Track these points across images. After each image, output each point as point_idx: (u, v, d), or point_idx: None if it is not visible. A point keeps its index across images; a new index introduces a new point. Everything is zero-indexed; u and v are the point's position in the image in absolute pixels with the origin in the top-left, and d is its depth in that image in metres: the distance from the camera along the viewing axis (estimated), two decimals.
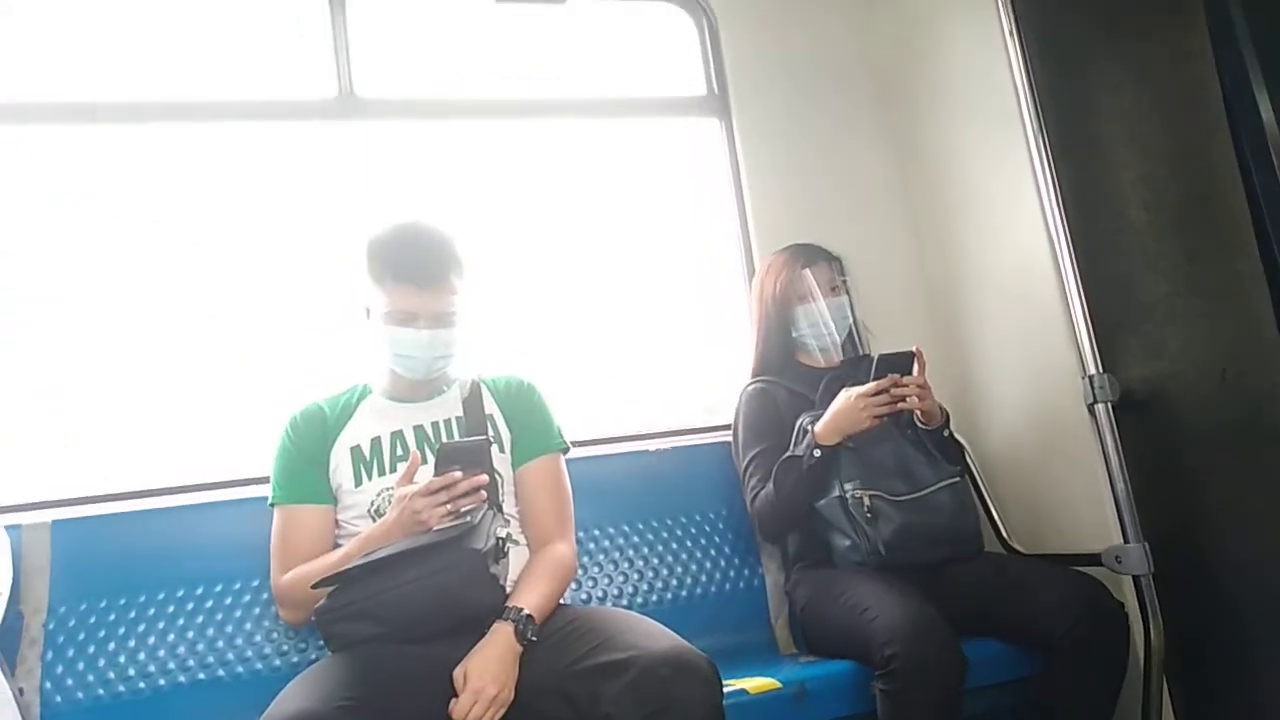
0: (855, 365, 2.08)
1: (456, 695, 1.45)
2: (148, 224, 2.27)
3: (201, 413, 2.21)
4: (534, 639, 1.54)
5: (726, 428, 2.28)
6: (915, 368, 1.92)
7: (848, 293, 2.16)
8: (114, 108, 2.28)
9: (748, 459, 2.07)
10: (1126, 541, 1.82)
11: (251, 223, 2.33)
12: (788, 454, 1.96)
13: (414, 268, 1.70)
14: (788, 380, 2.12)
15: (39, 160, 2.24)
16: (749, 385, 2.16)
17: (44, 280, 2.19)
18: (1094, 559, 1.86)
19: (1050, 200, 1.94)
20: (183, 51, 2.35)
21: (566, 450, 1.88)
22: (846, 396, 1.91)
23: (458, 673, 1.47)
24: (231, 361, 2.25)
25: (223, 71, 2.36)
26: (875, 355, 1.92)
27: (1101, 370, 1.90)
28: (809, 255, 2.16)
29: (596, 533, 2.16)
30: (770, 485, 1.98)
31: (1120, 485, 1.84)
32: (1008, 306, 2.27)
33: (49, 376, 2.15)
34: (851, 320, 2.17)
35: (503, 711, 1.47)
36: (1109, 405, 1.88)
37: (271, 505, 1.77)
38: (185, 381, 2.22)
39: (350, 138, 2.42)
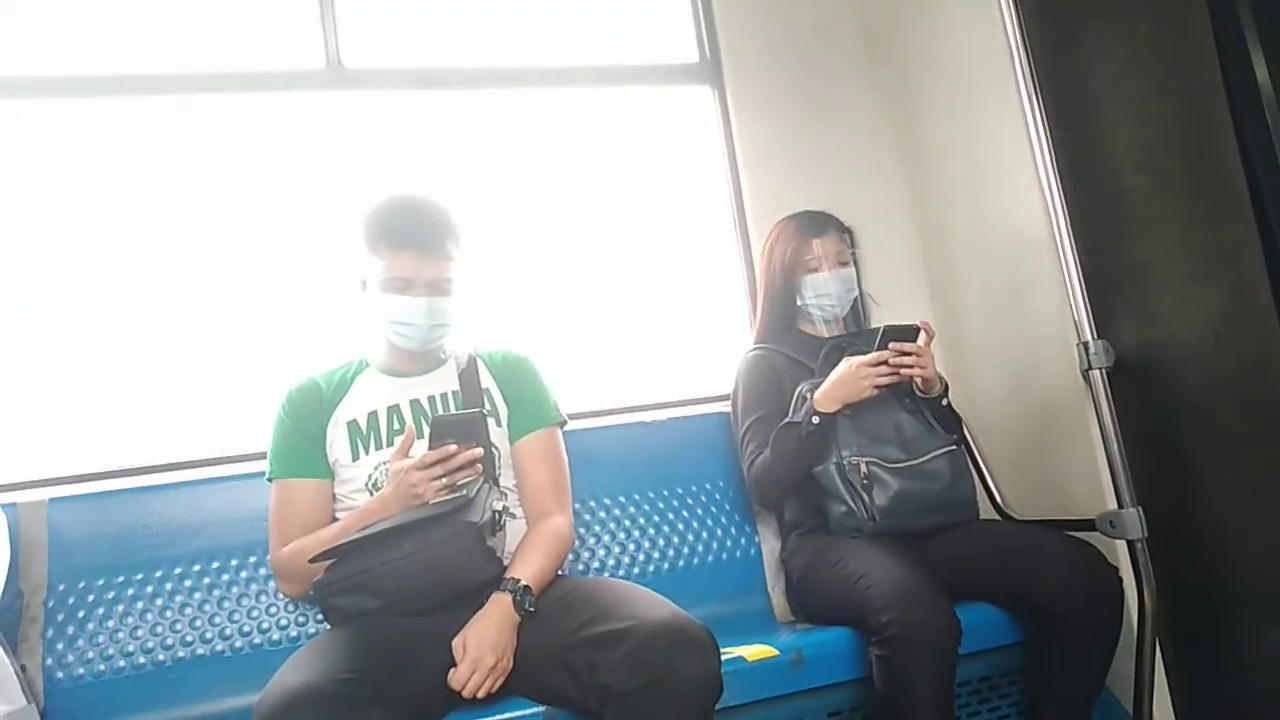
0: (858, 336, 2.09)
1: (456, 665, 1.47)
2: (137, 199, 2.25)
3: (196, 388, 2.21)
4: (532, 609, 1.54)
5: (722, 398, 2.29)
6: (920, 340, 1.92)
7: (856, 265, 2.15)
8: (97, 81, 2.25)
9: (746, 425, 2.07)
10: (1121, 507, 1.83)
11: (241, 196, 2.31)
12: (786, 420, 1.97)
13: (411, 234, 1.70)
14: (788, 348, 2.11)
15: (23, 136, 2.21)
16: (749, 352, 2.16)
17: (33, 259, 2.17)
18: (1088, 524, 1.87)
19: (1045, 165, 1.93)
20: (167, 23, 2.32)
21: (563, 424, 1.88)
22: (848, 365, 1.91)
23: (457, 642, 1.49)
24: (225, 336, 2.24)
25: (209, 43, 2.33)
26: (881, 326, 1.92)
27: (1096, 336, 1.90)
28: (819, 224, 2.13)
29: (593, 504, 2.17)
30: (768, 451, 1.99)
31: (1114, 451, 1.84)
32: (1002, 272, 2.26)
33: (44, 354, 2.14)
34: (857, 292, 2.16)
35: (501, 680, 1.49)
36: (1103, 371, 1.88)
37: (269, 480, 1.77)
38: (179, 357, 2.21)
39: (339, 109, 2.39)
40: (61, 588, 1.85)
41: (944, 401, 1.99)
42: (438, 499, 1.57)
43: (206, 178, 2.29)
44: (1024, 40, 1.95)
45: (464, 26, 2.55)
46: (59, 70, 2.23)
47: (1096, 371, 1.88)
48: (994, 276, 2.30)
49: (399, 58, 2.46)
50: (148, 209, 2.25)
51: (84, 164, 2.23)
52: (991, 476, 2.20)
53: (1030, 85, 1.94)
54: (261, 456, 1.83)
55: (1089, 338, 1.90)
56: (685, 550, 2.19)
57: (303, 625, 1.93)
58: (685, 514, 2.22)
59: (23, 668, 1.72)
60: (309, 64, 2.35)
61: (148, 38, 2.30)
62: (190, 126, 2.30)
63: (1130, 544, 1.83)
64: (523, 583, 1.56)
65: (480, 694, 1.46)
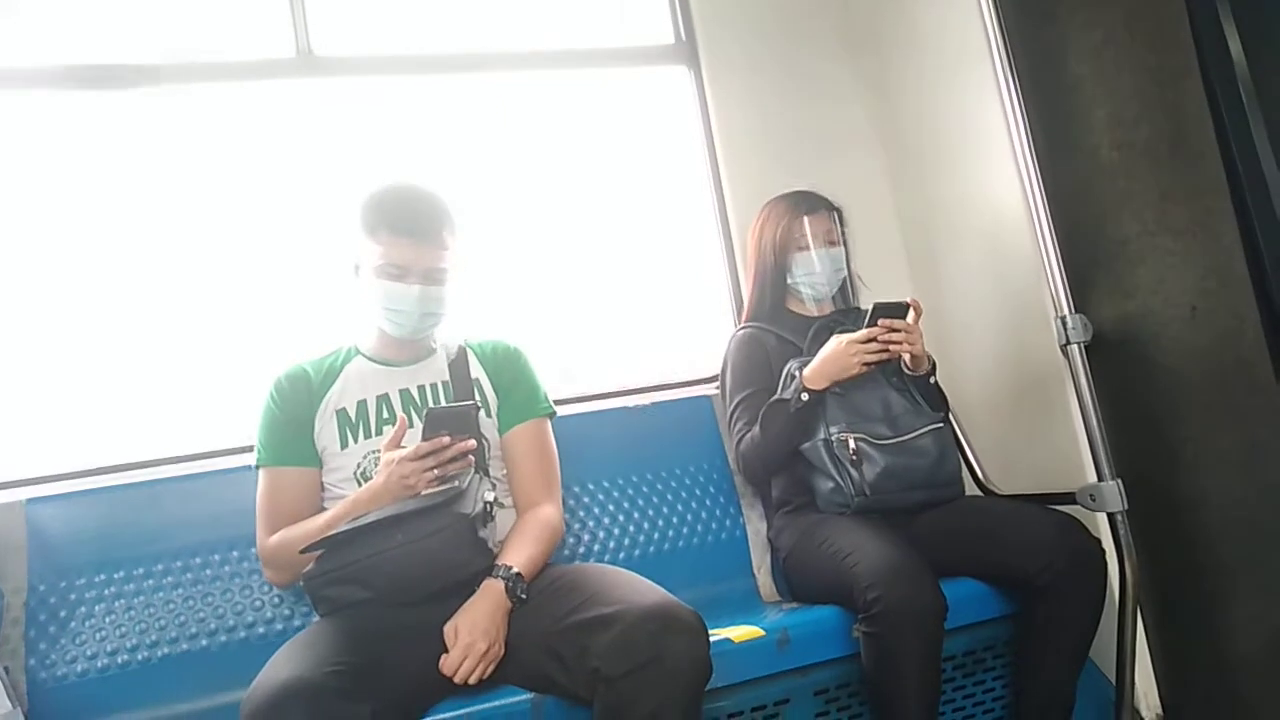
0: (847, 315, 2.09)
1: (447, 651, 1.47)
2: (109, 192, 2.21)
3: (173, 383, 2.18)
4: (524, 597, 1.55)
5: (705, 381, 2.29)
6: (910, 316, 1.92)
7: (845, 244, 2.15)
8: (66, 73, 2.20)
9: (735, 402, 2.08)
10: (1100, 480, 1.84)
11: (214, 187, 2.28)
12: (775, 397, 1.98)
13: (410, 222, 1.70)
14: (778, 327, 2.12)
15: None
16: (739, 330, 2.17)
17: (4, 253, 2.13)
18: (1069, 498, 1.89)
19: (1021, 141, 1.94)
20: (136, 14, 2.28)
21: (553, 414, 1.89)
22: (838, 342, 1.92)
23: (448, 628, 1.49)
24: (202, 329, 2.22)
25: (179, 33, 2.29)
26: (871, 303, 1.93)
27: (1073, 311, 1.91)
28: (810, 203, 2.14)
29: (576, 489, 2.17)
30: (756, 428, 1.99)
31: (1093, 424, 1.86)
32: (980, 249, 2.27)
33: (17, 353, 2.11)
34: (846, 272, 2.17)
35: (493, 666, 1.49)
36: (1081, 346, 1.89)
37: (257, 467, 1.76)
38: (156, 352, 2.19)
39: (310, 97, 2.36)
40: (42, 588, 1.83)
41: (931, 380, 2.00)
42: (429, 490, 1.56)
43: (178, 169, 2.26)
44: (1000, 19, 1.95)
45: (435, 12, 2.52)
46: (27, 62, 2.18)
47: (1075, 346, 1.89)
48: (973, 254, 2.31)
49: (370, 44, 2.43)
50: (120, 202, 2.21)
51: (54, 157, 2.20)
52: (973, 452, 2.22)
53: (1007, 64, 1.94)
54: (242, 451, 1.81)
55: (1066, 313, 1.91)
56: (671, 533, 2.19)
57: (288, 619, 1.91)
58: (670, 497, 2.22)
59: (5, 669, 1.71)
60: (279, 52, 2.32)
61: (117, 29, 2.25)
62: (161, 117, 2.27)
63: (1110, 517, 1.84)
64: (515, 570, 1.56)
65: (472, 680, 1.46)
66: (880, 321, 1.90)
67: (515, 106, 2.56)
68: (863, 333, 1.90)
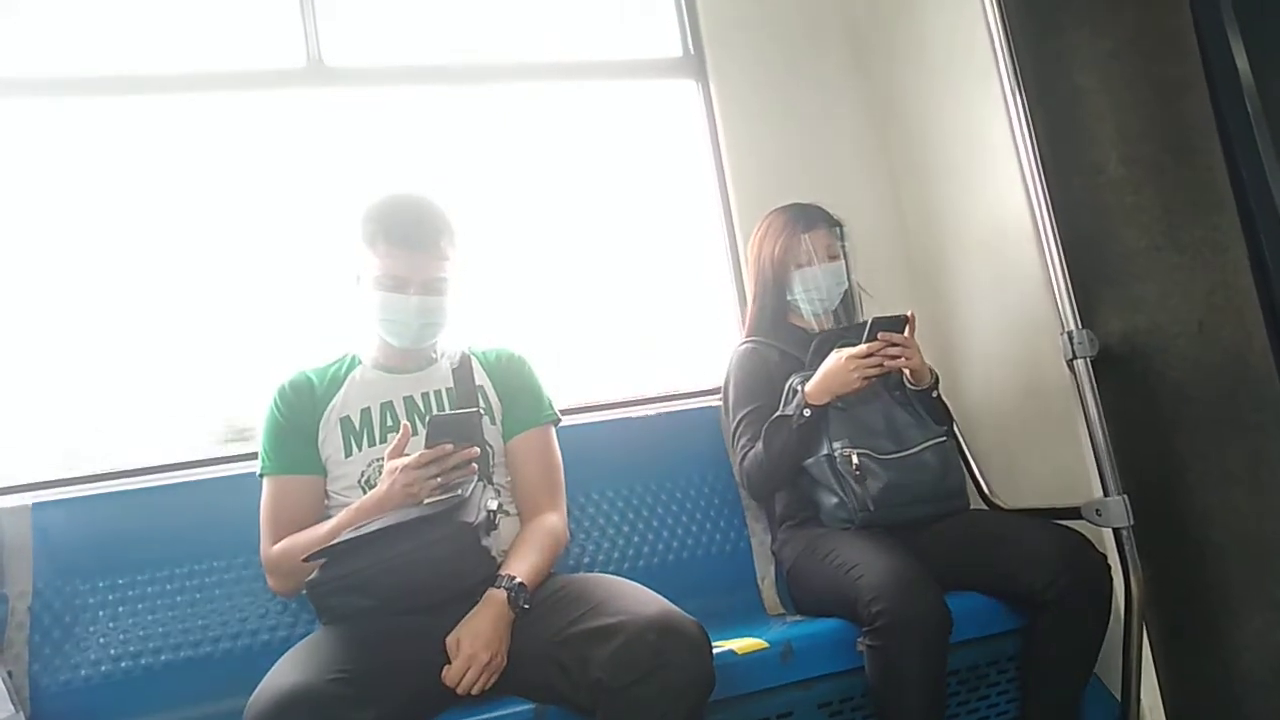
0: (849, 330, 2.09)
1: (449, 662, 1.47)
2: (119, 199, 2.23)
3: (179, 390, 2.19)
4: (526, 607, 1.54)
5: (711, 392, 2.29)
6: (906, 330, 1.92)
7: (845, 257, 2.15)
8: (77, 82, 2.22)
9: (738, 418, 2.08)
10: (1106, 495, 1.84)
11: (224, 195, 2.29)
12: (778, 413, 1.98)
13: (407, 233, 1.71)
14: (780, 341, 2.12)
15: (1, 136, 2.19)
16: (741, 345, 2.16)
17: (8, 260, 2.15)
18: (1074, 512, 1.88)
19: (1028, 155, 1.94)
20: (148, 23, 2.29)
21: (557, 422, 1.89)
22: (837, 357, 1.92)
23: (451, 640, 1.49)
24: (209, 336, 2.23)
25: (190, 43, 2.31)
26: (869, 318, 1.92)
27: (1080, 326, 1.90)
28: (809, 218, 2.13)
29: (582, 499, 2.16)
30: (760, 444, 1.99)
31: (1100, 439, 1.85)
32: (986, 263, 2.27)
33: (25, 358, 2.12)
34: (847, 285, 2.16)
35: (495, 677, 1.49)
36: (1088, 360, 1.88)
37: (261, 476, 1.76)
38: (163, 358, 2.19)
39: (320, 107, 2.38)
40: (47, 593, 1.83)
41: (934, 394, 2.00)
42: (432, 499, 1.56)
43: (189, 177, 2.27)
44: (1006, 31, 1.95)
45: (445, 23, 2.54)
46: (39, 71, 2.20)
47: (1081, 361, 1.88)
48: (979, 267, 2.31)
49: (380, 55, 2.44)
50: (129, 209, 2.23)
51: (64, 164, 2.21)
52: (979, 466, 2.21)
53: (1013, 76, 1.95)
54: (247, 458, 1.81)
55: (1073, 327, 1.90)
56: (675, 544, 2.18)
57: (293, 625, 1.91)
58: (675, 508, 2.22)
59: (9, 674, 1.71)
60: (290, 62, 2.34)
61: (129, 38, 2.27)
62: (172, 126, 2.28)
63: (1116, 532, 1.83)
64: (518, 580, 1.56)
65: (474, 691, 1.46)
66: (879, 335, 1.90)
67: (524, 117, 2.57)
68: (861, 348, 1.90)
